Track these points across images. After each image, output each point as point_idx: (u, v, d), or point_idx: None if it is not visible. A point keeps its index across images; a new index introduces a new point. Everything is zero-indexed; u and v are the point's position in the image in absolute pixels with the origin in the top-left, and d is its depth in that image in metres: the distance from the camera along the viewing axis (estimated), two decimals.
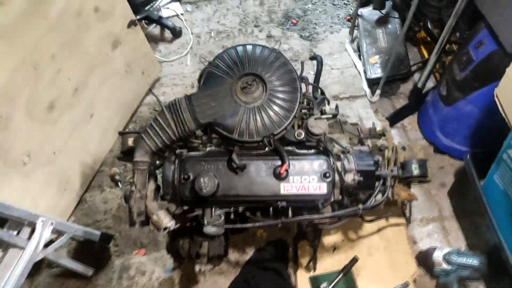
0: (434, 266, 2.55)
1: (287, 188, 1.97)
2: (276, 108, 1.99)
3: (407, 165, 2.25)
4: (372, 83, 3.42)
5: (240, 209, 2.06)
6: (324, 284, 2.49)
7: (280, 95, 2.01)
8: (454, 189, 2.90)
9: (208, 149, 2.09)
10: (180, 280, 2.72)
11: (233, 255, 2.76)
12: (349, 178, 1.99)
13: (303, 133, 2.01)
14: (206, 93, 2.01)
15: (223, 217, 2.05)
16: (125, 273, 2.79)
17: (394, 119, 3.23)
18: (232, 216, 2.09)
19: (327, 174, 1.95)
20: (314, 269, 2.60)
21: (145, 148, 2.00)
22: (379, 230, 2.75)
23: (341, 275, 2.54)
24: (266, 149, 2.04)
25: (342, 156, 2.04)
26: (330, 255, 2.66)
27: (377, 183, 2.05)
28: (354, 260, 2.60)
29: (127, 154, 2.17)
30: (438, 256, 2.53)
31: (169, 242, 2.44)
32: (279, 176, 1.96)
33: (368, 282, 2.55)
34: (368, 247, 2.69)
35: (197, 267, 2.33)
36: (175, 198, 2.02)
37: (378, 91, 3.32)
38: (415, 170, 2.24)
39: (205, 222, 2.03)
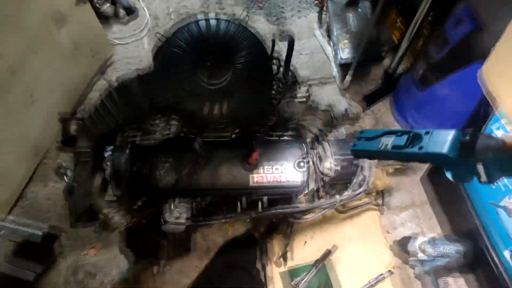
0: (410, 256, 2.39)
1: (257, 179, 1.71)
2: (243, 89, 1.71)
3: None
4: (342, 68, 3.21)
5: (204, 203, 1.78)
6: (297, 279, 2.27)
7: (249, 76, 1.73)
8: (427, 175, 2.76)
9: (166, 135, 1.79)
10: (136, 281, 2.40)
11: (195, 252, 2.47)
12: (326, 167, 1.76)
13: (274, 118, 1.75)
14: (163, 74, 1.69)
15: (185, 212, 1.76)
16: (73, 277, 2.43)
17: (366, 103, 3.05)
18: (194, 210, 1.82)
19: (302, 163, 1.71)
20: (285, 263, 2.36)
21: (90, 136, 1.67)
22: (351, 219, 2.56)
23: (314, 269, 2.32)
24: (233, 135, 1.77)
25: (316, 143, 1.80)
26: (301, 248, 2.43)
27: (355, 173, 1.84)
28: (328, 253, 2.39)
29: (69, 143, 1.82)
30: (413, 245, 2.37)
31: (123, 240, 2.13)
32: (248, 166, 1.69)
33: (343, 275, 2.34)
34: (341, 238, 2.47)
35: (155, 269, 2.05)
36: (127, 193, 1.71)
37: (348, 77, 3.11)
38: None
39: (164, 218, 1.74)
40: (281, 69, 2.15)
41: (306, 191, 1.76)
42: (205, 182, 1.69)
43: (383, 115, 3.11)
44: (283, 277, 2.33)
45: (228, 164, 1.70)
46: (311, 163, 1.75)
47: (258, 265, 2.41)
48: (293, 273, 2.32)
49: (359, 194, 1.83)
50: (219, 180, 1.70)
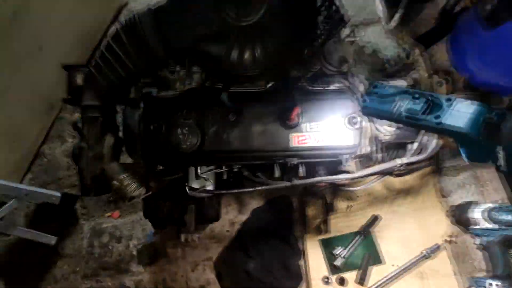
0: (471, 224, 2.06)
1: (299, 139, 1.39)
2: (281, 27, 1.35)
3: None
4: (390, 5, 2.72)
5: (236, 168, 1.49)
6: (339, 249, 2.01)
7: (289, 9, 1.36)
8: None
9: (187, 86, 1.48)
10: (163, 247, 2.20)
11: (226, 215, 2.23)
12: (383, 125, 1.42)
13: (317, 64, 1.39)
14: (181, 6, 1.34)
15: (212, 179, 1.49)
16: (97, 240, 2.27)
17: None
18: (224, 176, 1.54)
19: (354, 120, 1.37)
20: (326, 230, 2.09)
21: (97, 88, 1.38)
22: (401, 181, 2.23)
23: (359, 238, 2.05)
24: (269, 85, 1.44)
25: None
26: (345, 214, 2.14)
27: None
28: (374, 219, 2.10)
29: (76, 96, 1.54)
30: (476, 212, 2.04)
31: (145, 205, 1.91)
32: (288, 124, 1.37)
33: (392, 245, 2.07)
34: (390, 203, 2.17)
35: (182, 237, 1.83)
36: (143, 156, 1.44)
37: (397, 15, 2.63)
38: None
39: (189, 185, 1.47)
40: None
41: (359, 153, 1.43)
42: (235, 144, 1.39)
43: (437, 60, 2.65)
44: (324, 245, 2.08)
45: (263, 122, 1.39)
46: (365, 119, 1.40)
47: (296, 232, 2.16)
48: (335, 242, 2.07)
49: (428, 158, 1.48)
50: (252, 141, 1.39)
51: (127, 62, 1.33)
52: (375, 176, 1.54)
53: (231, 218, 2.22)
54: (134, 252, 2.22)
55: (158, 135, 1.36)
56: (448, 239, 2.10)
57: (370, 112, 1.15)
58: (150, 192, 1.47)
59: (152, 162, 1.44)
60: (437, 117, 0.98)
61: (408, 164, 1.47)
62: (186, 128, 1.31)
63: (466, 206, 2.10)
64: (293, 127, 1.38)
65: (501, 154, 0.98)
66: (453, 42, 2.57)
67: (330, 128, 1.38)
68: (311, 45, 1.43)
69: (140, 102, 1.42)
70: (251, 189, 1.49)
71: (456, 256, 2.09)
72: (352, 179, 1.46)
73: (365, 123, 1.41)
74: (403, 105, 1.04)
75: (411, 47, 2.05)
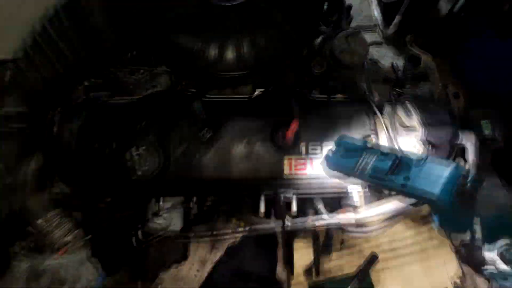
0: (485, 264, 1.76)
1: (296, 165, 1.04)
2: (278, 13, 1.01)
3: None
4: (388, 9, 2.46)
5: (209, 201, 1.12)
6: None
7: None
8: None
9: (149, 91, 1.10)
10: None
11: (196, 253, 1.82)
12: (409, 144, 1.09)
13: (324, 63, 1.06)
14: None
15: (177, 218, 1.12)
16: (35, 283, 1.81)
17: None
18: (194, 211, 1.17)
19: (369, 138, 1.04)
20: (317, 273, 1.73)
21: (24, 88, 0.99)
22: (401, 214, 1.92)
23: (356, 282, 1.70)
24: (257, 93, 1.09)
25: (394, 105, 1.12)
26: (338, 253, 1.78)
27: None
28: (373, 259, 1.76)
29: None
30: (490, 250, 1.74)
31: (93, 244, 1.50)
32: (281, 145, 1.02)
33: None
34: (389, 239, 1.84)
35: (139, 285, 1.43)
36: (82, 184, 1.04)
37: (396, 20, 2.37)
38: (486, 129, 1.37)
39: (147, 227, 1.09)
40: None
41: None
42: (209, 169, 1.03)
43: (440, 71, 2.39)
44: None
45: (248, 141, 1.03)
46: (383, 136, 1.07)
47: (280, 275, 1.79)
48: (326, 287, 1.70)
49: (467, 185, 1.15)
50: (232, 167, 1.03)
51: (65, 50, 0.95)
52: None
53: (202, 256, 1.82)
54: None
55: (104, 156, 0.98)
56: (458, 281, 1.79)
57: (332, 167, 1.00)
58: (89, 236, 1.08)
59: (95, 192, 1.05)
60: (406, 178, 0.88)
61: None
62: (144, 147, 0.94)
63: (477, 242, 1.80)
64: (288, 148, 1.03)
65: (477, 226, 0.94)
66: (460, 53, 2.33)
67: None
68: (313, 40, 1.09)
69: (82, 109, 1.03)
70: (227, 233, 1.12)
71: None
72: (365, 219, 1.12)
73: (384, 140, 1.09)
74: (370, 162, 0.94)
75: (420, 55, 1.75)
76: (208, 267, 1.82)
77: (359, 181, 1.02)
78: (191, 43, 0.96)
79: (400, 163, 0.92)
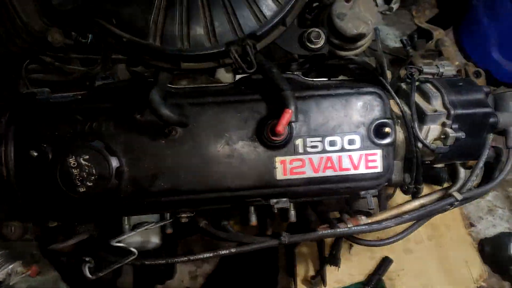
0: (510, 264, 1.53)
1: (292, 167, 0.79)
2: None
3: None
4: None
5: (184, 218, 0.87)
6: None
7: None
8: None
9: (98, 83, 0.85)
10: None
11: (185, 266, 1.59)
12: (435, 133, 0.83)
13: (323, 35, 0.80)
14: None
15: (154, 235, 0.88)
16: None
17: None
18: (168, 230, 0.92)
19: (384, 129, 0.79)
20: (324, 283, 1.49)
21: None
22: None
23: None
24: (237, 77, 0.84)
25: (412, 85, 0.86)
26: (346, 257, 1.55)
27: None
28: (385, 263, 1.53)
29: None
30: None
31: (58, 265, 1.25)
32: (271, 141, 0.77)
33: None
34: (404, 239, 1.60)
35: None
36: (16, 206, 0.79)
37: None
38: None
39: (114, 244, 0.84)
40: None
41: (387, 184, 0.84)
42: (179, 178, 0.77)
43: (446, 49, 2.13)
44: None
45: (228, 139, 0.77)
46: (401, 126, 0.82)
47: (282, 286, 1.56)
48: None
49: (492, 186, 0.90)
50: (209, 174, 0.77)
51: None
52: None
53: (192, 270, 1.60)
54: None
55: (43, 168, 0.73)
56: (483, 284, 1.55)
57: None
58: (28, 273, 0.84)
59: (34, 216, 0.80)
60: None
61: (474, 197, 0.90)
62: (86, 156, 0.69)
63: (502, 239, 1.56)
64: (282, 146, 0.78)
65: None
66: (466, 29, 2.07)
67: (343, 144, 0.79)
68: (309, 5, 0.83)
69: (12, 110, 0.78)
70: (209, 255, 0.87)
71: None
72: (382, 229, 0.87)
73: (401, 133, 0.83)
74: None
75: (431, 30, 1.49)
76: (200, 282, 1.58)
77: None
78: (139, 13, 0.70)
79: None
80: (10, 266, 0.83)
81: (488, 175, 0.93)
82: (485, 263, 1.59)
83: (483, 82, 1.39)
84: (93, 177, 0.70)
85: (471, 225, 1.69)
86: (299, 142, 0.79)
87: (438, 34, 1.38)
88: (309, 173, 0.79)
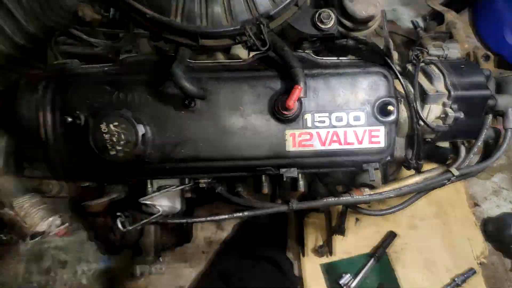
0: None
1: (301, 139, 0.84)
2: None
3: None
4: None
5: (203, 183, 0.94)
6: (346, 277, 1.50)
7: None
8: None
9: (122, 56, 0.91)
10: (122, 272, 1.64)
11: (201, 232, 1.68)
12: (436, 113, 0.87)
13: (333, 15, 0.84)
14: None
15: (175, 199, 0.95)
16: (36, 265, 1.71)
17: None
18: (188, 194, 0.99)
19: (389, 107, 0.83)
20: (330, 252, 1.56)
21: None
22: None
23: (371, 262, 1.52)
24: (251, 54, 0.89)
25: (416, 67, 0.89)
26: (353, 230, 1.61)
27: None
28: (391, 237, 1.59)
29: None
30: None
31: (91, 224, 1.36)
32: (283, 115, 0.82)
33: (412, 270, 1.55)
34: (409, 215, 1.65)
35: (137, 270, 1.28)
36: (52, 167, 0.87)
37: None
38: None
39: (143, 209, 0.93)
40: None
41: (390, 159, 0.89)
42: (198, 146, 0.84)
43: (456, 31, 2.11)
44: (327, 272, 1.55)
45: (242, 112, 0.83)
46: (404, 104, 0.86)
47: (291, 254, 1.63)
48: (341, 267, 1.55)
49: (489, 163, 0.94)
50: (225, 143, 0.84)
51: (17, 15, 0.76)
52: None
53: (208, 236, 1.68)
54: (84, 281, 1.66)
55: (77, 134, 0.81)
56: (484, 260, 1.59)
57: None
58: (66, 224, 0.93)
59: (68, 175, 0.88)
60: None
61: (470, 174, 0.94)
62: (116, 123, 0.76)
63: (505, 219, 1.60)
64: (291, 120, 0.83)
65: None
66: (482, 13, 2.04)
67: (349, 120, 0.84)
68: None
69: (46, 80, 0.85)
70: (225, 217, 0.94)
71: (493, 281, 1.59)
72: (382, 199, 0.92)
73: (403, 110, 0.87)
74: None
75: (443, 12, 1.49)
76: (215, 247, 1.68)
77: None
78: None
79: None
80: (50, 219, 0.91)
81: (489, 154, 0.97)
82: (487, 241, 1.63)
83: (491, 65, 1.39)
84: (122, 142, 0.77)
85: (476, 205, 1.72)
86: (307, 117, 0.84)
87: (449, 16, 1.38)
88: (316, 146, 0.85)
